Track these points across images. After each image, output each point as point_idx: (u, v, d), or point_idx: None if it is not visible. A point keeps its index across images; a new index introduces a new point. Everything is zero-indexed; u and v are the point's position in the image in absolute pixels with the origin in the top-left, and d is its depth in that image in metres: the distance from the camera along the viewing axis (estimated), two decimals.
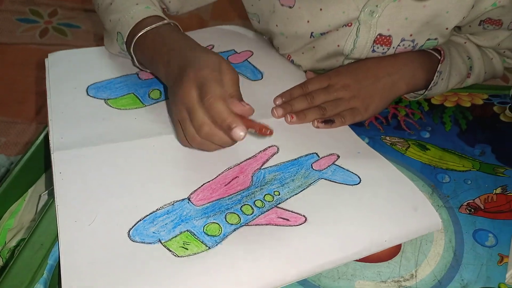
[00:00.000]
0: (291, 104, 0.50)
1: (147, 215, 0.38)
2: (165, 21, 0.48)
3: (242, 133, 0.36)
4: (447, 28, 0.51)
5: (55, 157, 0.42)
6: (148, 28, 0.47)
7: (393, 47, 0.53)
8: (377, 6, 0.50)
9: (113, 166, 0.42)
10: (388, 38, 0.52)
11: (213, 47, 0.59)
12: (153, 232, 0.36)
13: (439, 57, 0.52)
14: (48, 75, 0.51)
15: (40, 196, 0.48)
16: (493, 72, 0.59)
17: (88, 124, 0.46)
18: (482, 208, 0.42)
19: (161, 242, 0.36)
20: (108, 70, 0.53)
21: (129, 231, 0.36)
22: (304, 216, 0.38)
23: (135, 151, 0.44)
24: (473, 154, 0.47)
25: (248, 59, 0.58)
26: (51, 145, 0.43)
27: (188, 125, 0.39)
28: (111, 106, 0.48)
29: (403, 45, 0.52)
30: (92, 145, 0.43)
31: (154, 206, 0.39)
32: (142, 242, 0.36)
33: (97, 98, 0.49)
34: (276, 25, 0.56)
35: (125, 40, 0.49)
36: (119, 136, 0.45)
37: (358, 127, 0.50)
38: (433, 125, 0.51)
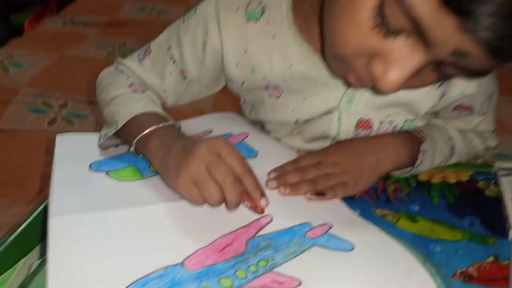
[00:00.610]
0: (284, 178, 0.52)
1: (140, 278, 0.38)
2: (169, 123, 0.52)
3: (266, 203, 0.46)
4: (418, 114, 0.55)
5: (52, 221, 0.42)
6: (154, 127, 0.50)
7: (375, 130, 0.57)
8: (353, 95, 0.55)
9: (109, 231, 0.43)
10: (368, 122, 0.56)
11: (211, 131, 0.63)
12: None
13: (419, 137, 0.56)
14: (55, 152, 0.54)
15: (31, 265, 0.48)
16: (474, 152, 0.63)
17: (88, 192, 0.47)
18: (476, 276, 0.42)
19: None
20: (110, 152, 0.56)
21: None
22: (298, 279, 0.38)
23: (131, 218, 0.45)
24: (462, 225, 0.48)
25: (243, 141, 0.62)
26: (50, 210, 0.44)
27: (209, 181, 0.43)
28: (111, 178, 0.50)
29: (383, 127, 0.57)
30: (90, 211, 0.44)
31: (147, 270, 0.39)
32: None
33: (98, 171, 0.52)
34: (266, 113, 0.61)
35: (118, 128, 0.52)
36: (117, 204, 0.46)
37: (349, 200, 0.52)
38: (422, 198, 0.53)
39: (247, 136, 0.62)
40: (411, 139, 0.56)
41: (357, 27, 0.38)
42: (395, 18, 0.35)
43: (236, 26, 0.54)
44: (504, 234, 0.47)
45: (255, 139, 0.62)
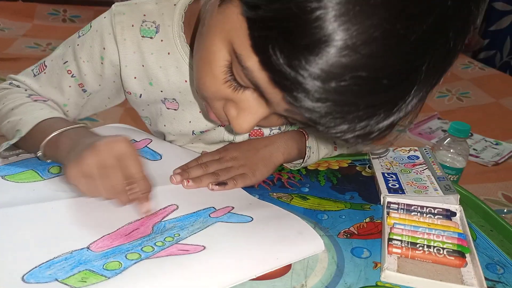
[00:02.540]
0: (188, 172, 0.56)
1: (43, 263, 0.38)
2: (80, 124, 0.52)
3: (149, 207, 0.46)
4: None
5: None
6: (65, 128, 0.51)
7: (266, 135, 0.63)
8: None
9: (7, 226, 0.42)
10: (259, 130, 0.63)
11: None
12: (49, 274, 0.36)
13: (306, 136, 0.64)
14: None
15: None
16: (354, 148, 0.73)
17: None
18: (356, 233, 0.49)
19: (58, 281, 0.35)
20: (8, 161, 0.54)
21: (23, 276, 0.36)
22: (203, 246, 0.41)
23: (31, 213, 0.44)
24: (344, 199, 0.56)
25: (147, 145, 0.64)
26: None
27: (96, 180, 0.43)
28: (8, 180, 0.49)
29: (273, 132, 0.64)
30: None
31: (51, 256, 0.39)
32: (37, 283, 0.35)
33: None
34: (164, 125, 0.64)
35: (23, 135, 0.52)
36: (15, 202, 0.45)
37: (249, 189, 0.57)
38: (311, 183, 0.60)
39: (150, 141, 0.64)
40: (297, 135, 0.64)
41: (213, 78, 0.42)
42: (241, 78, 0.39)
43: (133, 41, 0.58)
44: (378, 202, 0.55)
45: (158, 145, 0.64)
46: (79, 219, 0.45)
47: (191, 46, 0.57)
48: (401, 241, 0.45)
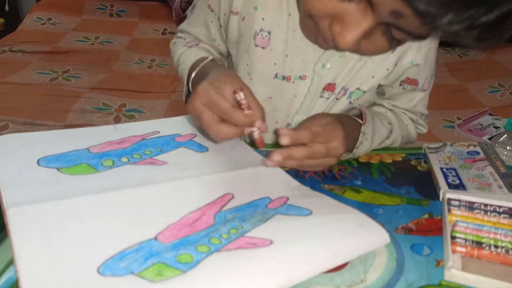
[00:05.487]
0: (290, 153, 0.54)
1: (115, 254, 0.39)
2: (207, 59, 0.64)
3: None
4: (373, 76, 0.63)
5: (10, 212, 0.42)
6: (196, 71, 0.63)
7: (334, 94, 0.65)
8: (327, 60, 0.63)
9: (74, 216, 0.43)
10: (333, 85, 0.65)
11: (158, 132, 0.63)
12: (124, 266, 0.37)
13: (361, 122, 0.62)
14: None
15: None
16: (408, 137, 0.71)
17: (41, 187, 0.47)
18: (415, 229, 0.48)
19: (133, 274, 0.37)
20: (58, 148, 0.55)
21: (98, 268, 0.37)
22: (269, 239, 0.42)
23: (95, 203, 0.45)
24: (400, 194, 0.55)
25: (192, 139, 0.63)
26: (4, 204, 0.43)
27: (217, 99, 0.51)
28: (63, 173, 0.50)
29: (340, 93, 0.65)
30: (48, 201, 0.44)
31: (121, 247, 0.40)
32: (113, 276, 0.36)
33: (48, 167, 0.51)
34: (247, 64, 0.66)
35: (185, 83, 0.66)
36: (76, 193, 0.46)
37: (299, 179, 0.56)
38: (363, 175, 0.59)
39: (195, 136, 0.64)
40: (354, 123, 0.62)
41: None
42: None
43: None
44: (435, 197, 0.54)
45: (203, 139, 0.64)
46: (141, 210, 0.46)
47: None
48: (465, 239, 0.43)
